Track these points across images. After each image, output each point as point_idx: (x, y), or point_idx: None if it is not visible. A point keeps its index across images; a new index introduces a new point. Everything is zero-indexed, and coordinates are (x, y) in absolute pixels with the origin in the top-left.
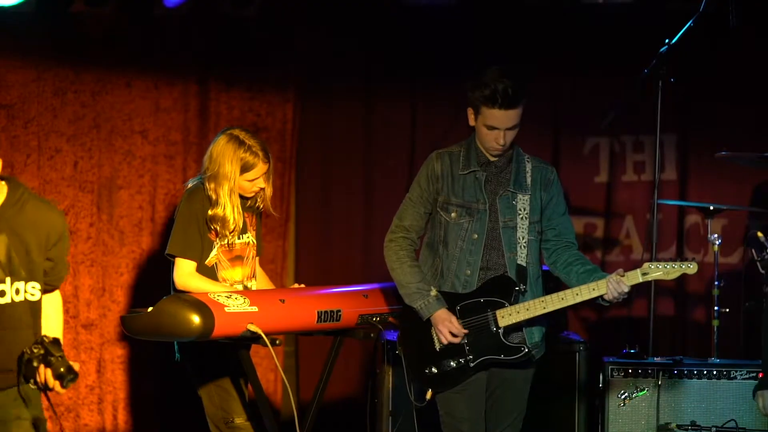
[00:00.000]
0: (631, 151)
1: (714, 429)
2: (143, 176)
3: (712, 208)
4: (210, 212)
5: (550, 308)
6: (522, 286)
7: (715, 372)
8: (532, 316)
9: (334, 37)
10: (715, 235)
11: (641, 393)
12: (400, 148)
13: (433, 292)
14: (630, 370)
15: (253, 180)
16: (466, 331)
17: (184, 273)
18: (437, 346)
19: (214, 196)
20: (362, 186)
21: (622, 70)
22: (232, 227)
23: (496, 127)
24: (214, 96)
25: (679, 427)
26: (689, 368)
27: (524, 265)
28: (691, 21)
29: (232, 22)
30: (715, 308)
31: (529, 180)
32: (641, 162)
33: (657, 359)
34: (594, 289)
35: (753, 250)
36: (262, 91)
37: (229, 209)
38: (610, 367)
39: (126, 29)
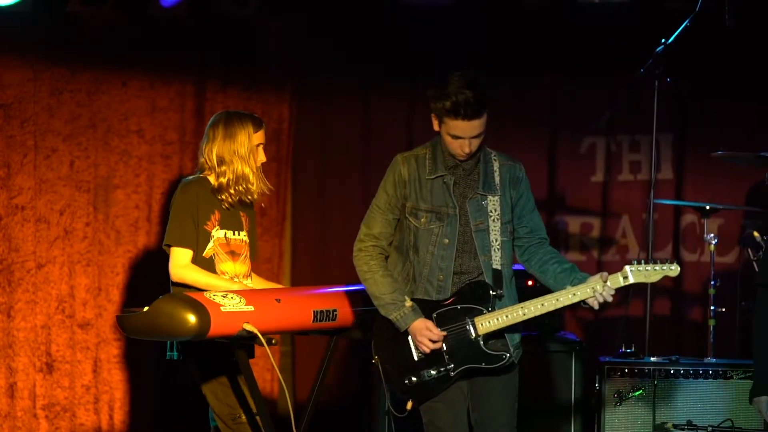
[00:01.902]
0: (627, 151)
1: (710, 428)
2: (139, 176)
3: (708, 207)
4: (227, 176)
5: (530, 315)
6: (499, 291)
7: (711, 372)
8: (511, 323)
9: (331, 37)
10: (711, 235)
11: (637, 393)
12: (396, 148)
13: (408, 303)
14: (626, 370)
15: (258, 145)
16: (444, 334)
17: (180, 264)
18: (415, 356)
19: (227, 169)
20: (358, 186)
21: (618, 70)
22: (253, 182)
23: (460, 136)
24: (210, 95)
25: (675, 426)
26: (685, 368)
27: (499, 268)
28: (687, 21)
29: (229, 21)
30: (712, 308)
31: (497, 180)
32: (637, 161)
33: (653, 359)
34: (575, 295)
35: (749, 250)
36: (258, 90)
37: (248, 168)
38: (606, 366)
39: (122, 29)
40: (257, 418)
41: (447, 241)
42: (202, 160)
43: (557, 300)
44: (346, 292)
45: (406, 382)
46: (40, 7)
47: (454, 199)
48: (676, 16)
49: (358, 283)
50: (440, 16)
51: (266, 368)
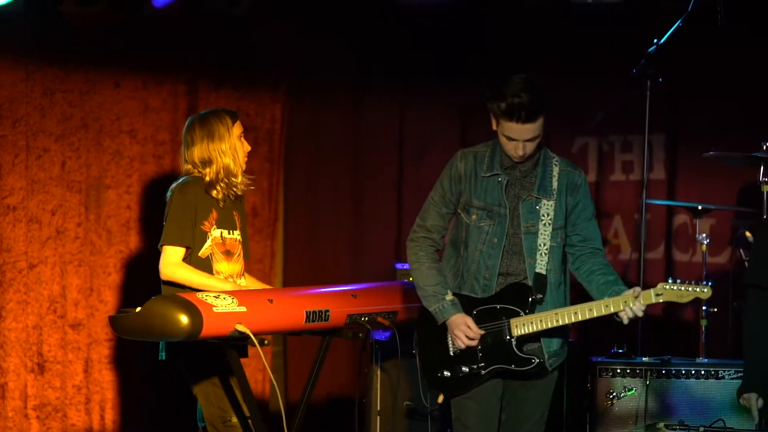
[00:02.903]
0: (619, 151)
1: (702, 429)
2: (131, 176)
3: (700, 207)
4: (215, 173)
5: (563, 322)
6: (539, 296)
7: (703, 372)
8: (544, 328)
9: (323, 37)
10: (704, 235)
11: (629, 393)
12: (389, 148)
13: (449, 296)
14: (618, 370)
15: (240, 135)
16: (483, 332)
17: (171, 262)
18: (451, 351)
19: (212, 168)
20: (351, 186)
21: (610, 70)
22: (237, 174)
23: (514, 138)
24: (203, 96)
25: (667, 426)
26: (677, 368)
27: (544, 272)
28: (679, 21)
29: (222, 21)
30: (704, 308)
31: (555, 184)
32: (629, 161)
33: (645, 359)
34: (607, 306)
35: (741, 250)
36: (251, 90)
37: (232, 162)
38: (598, 366)
39: (115, 29)
40: (249, 419)
41: (496, 240)
42: (187, 167)
43: (590, 310)
44: (339, 292)
45: (439, 375)
46: (33, 7)
47: (506, 199)
48: (668, 17)
49: (350, 283)
50: (433, 16)
51: (258, 369)
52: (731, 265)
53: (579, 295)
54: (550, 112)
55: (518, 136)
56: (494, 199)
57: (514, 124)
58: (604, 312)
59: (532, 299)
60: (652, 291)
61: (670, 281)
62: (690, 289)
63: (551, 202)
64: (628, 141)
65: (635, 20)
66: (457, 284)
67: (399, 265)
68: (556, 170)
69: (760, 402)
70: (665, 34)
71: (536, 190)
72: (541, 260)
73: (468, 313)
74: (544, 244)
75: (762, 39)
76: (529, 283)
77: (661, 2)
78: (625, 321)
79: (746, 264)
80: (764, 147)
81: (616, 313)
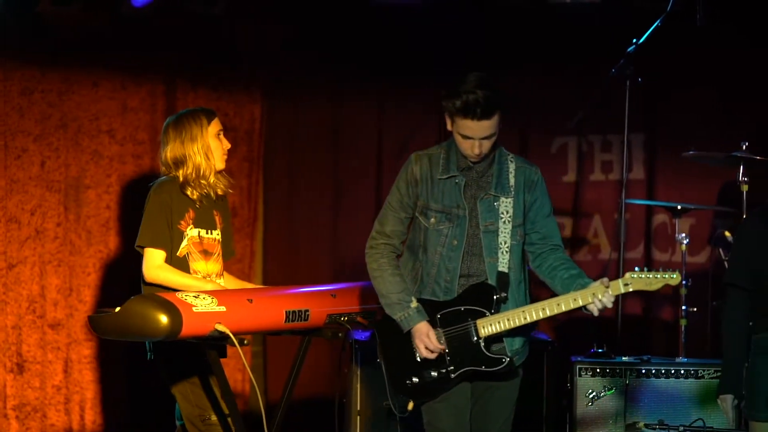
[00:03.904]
0: (599, 151)
1: (681, 428)
2: (110, 176)
3: (679, 207)
4: (188, 173)
5: (531, 319)
6: (503, 294)
7: (682, 371)
8: (512, 326)
9: (301, 37)
10: (683, 235)
11: (609, 392)
12: (367, 147)
13: (414, 304)
14: (598, 370)
15: (218, 133)
16: (442, 347)
17: (153, 265)
18: (418, 357)
19: (185, 168)
20: (330, 186)
21: (589, 70)
22: (208, 175)
23: (470, 136)
24: (181, 95)
25: (646, 426)
26: (657, 367)
27: (506, 271)
28: (658, 20)
29: (200, 21)
30: (683, 307)
31: (512, 181)
32: (609, 161)
33: (625, 359)
34: (576, 300)
35: (720, 250)
36: (229, 90)
37: (204, 162)
38: (577, 366)
39: (93, 29)
40: (228, 419)
41: (456, 242)
42: (163, 169)
43: (558, 305)
44: (318, 292)
45: (408, 382)
46: (11, 6)
47: (464, 201)
48: (647, 16)
49: (329, 283)
50: (410, 16)
51: (238, 368)
52: (710, 264)
53: (540, 296)
54: (505, 109)
55: (474, 134)
56: (452, 201)
57: (470, 122)
58: (572, 306)
59: (497, 298)
60: (620, 281)
61: (637, 270)
62: (658, 276)
63: (509, 200)
64: (608, 141)
65: (614, 20)
66: (417, 289)
67: None
68: (512, 167)
69: (735, 403)
70: (644, 34)
71: (494, 188)
72: (503, 258)
73: (432, 317)
74: (505, 242)
75: (741, 38)
76: (492, 282)
77: (640, 2)
78: (595, 313)
79: (725, 264)
80: (743, 147)
81: (585, 306)
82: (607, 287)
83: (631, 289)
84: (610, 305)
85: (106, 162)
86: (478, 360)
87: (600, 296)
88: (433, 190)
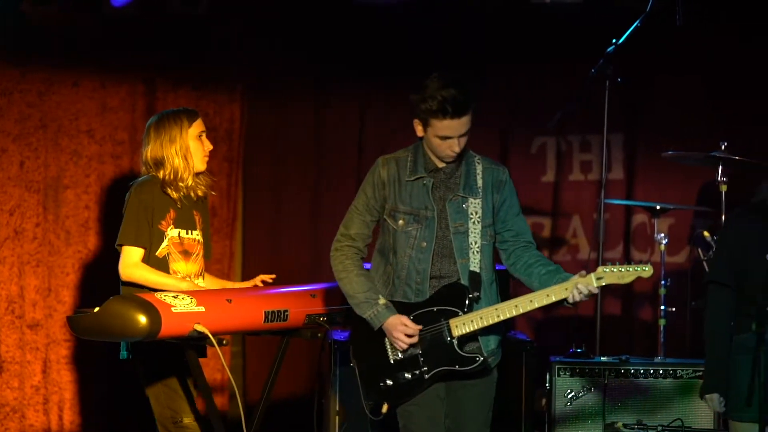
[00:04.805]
0: (578, 151)
1: (660, 428)
2: (90, 176)
3: (658, 207)
4: (167, 173)
5: (504, 317)
6: (475, 294)
7: (661, 371)
8: (485, 324)
9: (284, 37)
10: (662, 235)
11: (588, 392)
12: (348, 148)
13: (382, 301)
14: (577, 370)
15: (200, 134)
16: (420, 327)
17: (130, 263)
18: (391, 359)
19: (164, 168)
20: (310, 186)
21: (569, 70)
22: (186, 177)
23: (449, 136)
24: (161, 95)
25: (625, 426)
26: (636, 367)
27: (477, 271)
28: (638, 21)
29: (181, 20)
30: (662, 307)
31: (480, 182)
32: (588, 161)
33: (603, 359)
34: (549, 296)
35: (699, 250)
36: (210, 90)
37: (183, 163)
38: (556, 366)
39: (73, 29)
40: (204, 418)
41: (424, 244)
42: (144, 168)
43: (531, 301)
44: (297, 292)
45: (381, 384)
46: None
47: (432, 202)
48: (626, 17)
49: (309, 283)
50: (393, 16)
51: (217, 369)
52: (689, 264)
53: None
54: (476, 105)
55: (453, 132)
56: (420, 202)
57: (448, 121)
58: (545, 302)
59: (470, 298)
60: (593, 275)
61: (609, 264)
62: (630, 269)
63: (478, 200)
64: (587, 141)
65: (594, 21)
66: (388, 292)
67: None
68: (479, 168)
69: (722, 401)
70: (624, 34)
71: (462, 189)
72: (474, 258)
73: None
74: (476, 242)
75: (721, 38)
76: (463, 282)
77: (620, 2)
78: (572, 301)
79: (704, 264)
80: (722, 147)
81: (565, 301)
82: (585, 277)
83: (604, 283)
84: (585, 298)
85: (85, 162)
86: (451, 360)
87: (573, 290)
88: (401, 193)
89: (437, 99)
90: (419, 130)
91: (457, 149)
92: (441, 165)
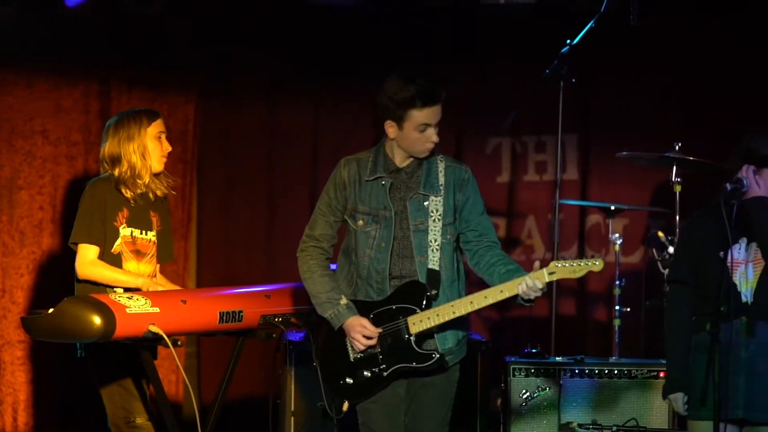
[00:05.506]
0: (533, 151)
1: (615, 428)
2: (44, 177)
3: (613, 207)
4: (123, 171)
5: (460, 312)
6: (433, 291)
7: (616, 371)
8: (442, 321)
9: (237, 38)
10: (617, 235)
11: (543, 392)
12: (303, 149)
13: (344, 301)
14: (532, 370)
15: (160, 134)
16: (380, 330)
17: (86, 261)
18: (351, 357)
19: (120, 166)
20: (265, 187)
21: (524, 71)
22: (144, 176)
23: (429, 124)
24: (115, 96)
25: (580, 426)
26: (590, 367)
27: (437, 268)
28: (592, 21)
29: (135, 21)
30: (617, 307)
31: (441, 180)
32: (543, 162)
33: (558, 359)
34: (502, 291)
35: (654, 250)
36: (164, 91)
37: (140, 162)
38: (512, 366)
39: (27, 29)
40: (157, 417)
41: (383, 244)
42: (101, 167)
43: (485, 297)
44: (252, 293)
45: (341, 382)
46: None
47: (390, 202)
48: (581, 17)
49: (264, 284)
50: (346, 17)
51: (171, 370)
52: (644, 264)
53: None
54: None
55: (432, 120)
56: (379, 203)
57: (426, 109)
58: (499, 297)
59: (428, 296)
60: (545, 270)
61: (562, 260)
62: (582, 263)
63: (439, 198)
64: (542, 141)
65: (548, 21)
66: (351, 291)
67: None
68: (441, 166)
69: (686, 400)
70: (578, 34)
71: (422, 187)
72: (433, 256)
73: (365, 316)
74: (435, 240)
75: (675, 38)
76: (421, 279)
77: (573, 3)
78: (525, 297)
79: (659, 264)
80: (676, 147)
81: (520, 297)
82: (533, 278)
83: (556, 278)
84: (539, 293)
85: (40, 163)
86: (409, 357)
87: (523, 284)
88: (361, 193)
89: (416, 86)
90: (392, 131)
91: (435, 139)
92: (402, 164)
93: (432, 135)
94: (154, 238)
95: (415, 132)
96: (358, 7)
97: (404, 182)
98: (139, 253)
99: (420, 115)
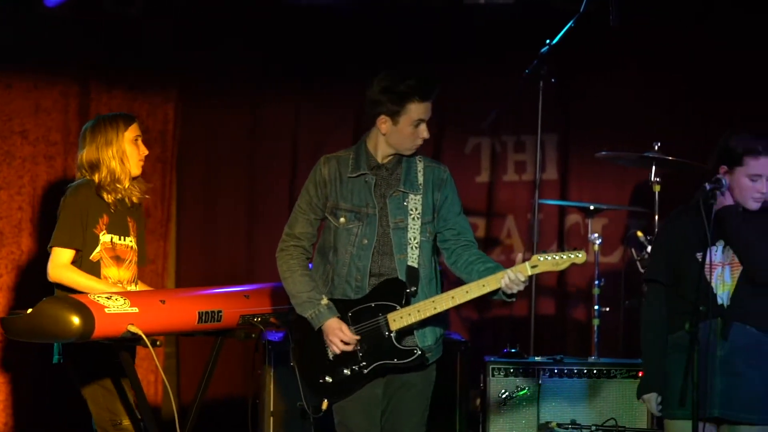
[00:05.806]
0: (512, 151)
1: (594, 427)
2: (23, 177)
3: (592, 207)
4: (103, 176)
5: (441, 308)
6: (413, 288)
7: (595, 371)
8: (423, 317)
9: (218, 38)
10: (596, 235)
11: (522, 392)
12: (283, 147)
13: (324, 301)
14: (511, 370)
15: (136, 138)
16: (357, 337)
17: (58, 264)
18: (330, 355)
19: (99, 172)
20: (245, 186)
21: (503, 71)
22: (123, 180)
23: (423, 119)
24: (95, 96)
25: (559, 425)
26: (569, 367)
27: (415, 266)
28: (571, 21)
29: (115, 20)
30: (596, 307)
31: (421, 179)
32: (522, 162)
33: (538, 358)
34: (484, 286)
35: (633, 250)
36: (143, 91)
37: (119, 166)
38: (491, 366)
39: (6, 29)
40: (141, 421)
41: (366, 241)
42: (79, 173)
43: (467, 292)
44: (231, 293)
45: (321, 381)
46: None
47: (374, 199)
48: (561, 17)
49: (243, 284)
50: (328, 17)
51: (151, 370)
52: (623, 264)
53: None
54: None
55: (426, 115)
56: (362, 200)
57: (425, 103)
58: (481, 292)
59: (407, 292)
60: (527, 264)
61: (544, 253)
62: (564, 256)
63: (418, 197)
64: (521, 141)
65: (528, 21)
66: (328, 290)
67: None
68: (420, 166)
69: (660, 400)
70: (557, 34)
71: (402, 185)
72: (412, 254)
73: (343, 315)
74: (414, 238)
75: (655, 38)
76: (400, 277)
77: (553, 3)
78: (507, 291)
79: (638, 264)
80: (656, 147)
81: (502, 292)
82: (515, 271)
83: (538, 271)
84: (521, 287)
85: (19, 163)
86: (390, 354)
87: (506, 277)
88: (343, 190)
89: (413, 81)
90: (385, 126)
91: (426, 135)
92: (384, 161)
93: (424, 131)
94: (132, 244)
95: (410, 127)
96: (340, 8)
97: (385, 179)
98: (118, 259)
99: (418, 109)
